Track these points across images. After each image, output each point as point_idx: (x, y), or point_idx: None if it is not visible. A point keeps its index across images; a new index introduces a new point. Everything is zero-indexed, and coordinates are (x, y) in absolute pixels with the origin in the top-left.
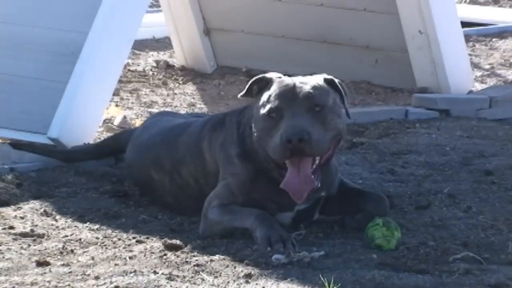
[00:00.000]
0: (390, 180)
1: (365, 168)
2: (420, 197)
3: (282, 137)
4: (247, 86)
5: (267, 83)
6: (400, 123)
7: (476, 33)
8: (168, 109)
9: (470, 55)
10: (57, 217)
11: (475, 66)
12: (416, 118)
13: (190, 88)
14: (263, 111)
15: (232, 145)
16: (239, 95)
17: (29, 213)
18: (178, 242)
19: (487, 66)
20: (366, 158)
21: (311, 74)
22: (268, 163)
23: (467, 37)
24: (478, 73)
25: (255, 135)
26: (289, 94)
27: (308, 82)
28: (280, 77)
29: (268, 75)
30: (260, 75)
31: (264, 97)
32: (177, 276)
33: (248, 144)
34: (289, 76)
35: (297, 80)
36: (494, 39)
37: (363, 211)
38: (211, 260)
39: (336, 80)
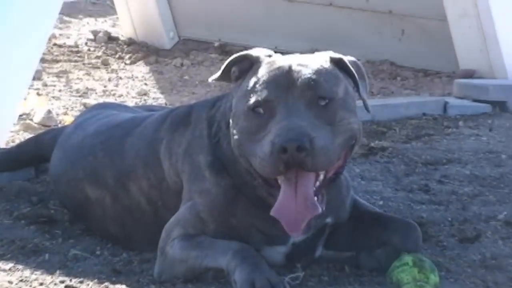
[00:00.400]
0: (423, 201)
1: (388, 183)
2: (465, 225)
3: (274, 143)
4: (222, 67)
5: (252, 64)
6: (437, 120)
7: None
8: (110, 99)
9: None
10: None
11: None
12: (458, 113)
13: (141, 70)
14: (246, 104)
15: (201, 151)
16: (210, 79)
17: None
18: (123, 287)
19: None
20: (389, 169)
21: (312, 52)
22: (253, 178)
23: None
24: None
25: (235, 138)
26: (283, 81)
27: (309, 64)
28: (270, 56)
29: (253, 52)
30: (242, 53)
31: (248, 84)
32: None
33: (224, 150)
34: (282, 54)
35: (294, 61)
36: None
37: (386, 244)
38: None
39: (348, 60)
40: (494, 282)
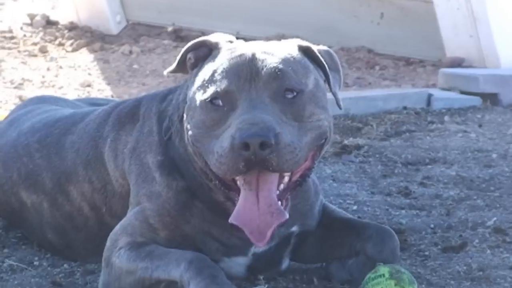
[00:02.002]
0: (402, 206)
1: (363, 186)
2: (449, 232)
3: (235, 138)
4: (178, 57)
5: (211, 51)
6: (419, 115)
7: None
8: (49, 92)
9: None
10: None
11: None
12: (444, 107)
13: (84, 58)
14: (203, 96)
15: (150, 150)
16: (165, 71)
17: None
18: None
19: None
20: (364, 170)
21: (278, 39)
22: (208, 179)
23: None
24: None
25: (189, 134)
26: (245, 71)
27: (275, 52)
28: (230, 42)
29: (212, 38)
30: (200, 39)
31: (205, 73)
32: None
33: (177, 149)
34: (244, 40)
35: (258, 48)
36: None
37: (359, 254)
38: None
39: (318, 49)
40: None
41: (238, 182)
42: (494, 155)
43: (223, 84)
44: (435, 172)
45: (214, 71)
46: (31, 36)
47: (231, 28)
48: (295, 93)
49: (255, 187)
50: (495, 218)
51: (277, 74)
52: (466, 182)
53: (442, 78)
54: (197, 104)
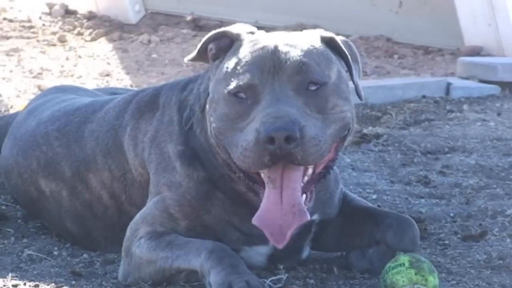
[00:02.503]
0: (422, 195)
1: (383, 175)
2: (469, 221)
3: (260, 132)
4: (199, 46)
5: (232, 42)
6: (438, 104)
7: None
8: (69, 81)
9: None
10: None
11: None
12: (463, 96)
13: (103, 47)
14: (226, 88)
15: (171, 140)
16: (186, 59)
17: None
18: None
19: None
20: (384, 159)
21: (298, 28)
22: (232, 171)
23: None
24: None
25: (212, 126)
26: (268, 64)
27: (297, 44)
28: (252, 33)
29: (233, 29)
30: (221, 29)
31: (228, 65)
32: None
33: (198, 139)
34: (264, 30)
35: (280, 40)
36: None
37: (379, 243)
38: None
39: (340, 39)
40: (501, 285)
41: (262, 175)
42: None
43: (246, 78)
44: (454, 161)
45: (237, 64)
46: (50, 26)
47: (250, 17)
48: (318, 86)
49: (279, 185)
50: None
51: (301, 68)
52: (485, 170)
53: (461, 67)
54: (220, 97)
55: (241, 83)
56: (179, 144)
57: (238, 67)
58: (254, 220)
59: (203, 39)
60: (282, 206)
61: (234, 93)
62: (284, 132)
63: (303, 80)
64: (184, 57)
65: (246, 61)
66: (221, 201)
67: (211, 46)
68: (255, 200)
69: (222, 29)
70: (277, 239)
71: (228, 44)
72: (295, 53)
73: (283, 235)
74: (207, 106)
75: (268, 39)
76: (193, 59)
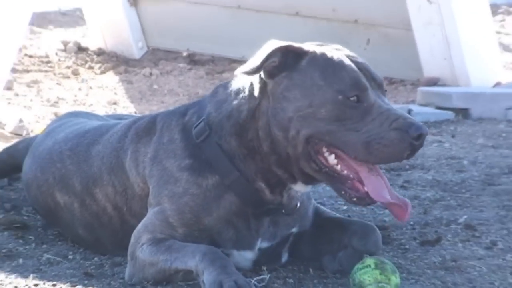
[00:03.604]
0: (385, 206)
1: None
2: (426, 228)
3: (407, 132)
4: (263, 58)
5: (299, 56)
6: None
7: (507, 2)
8: (81, 108)
9: (498, 32)
10: None
11: (505, 48)
12: (422, 120)
13: (110, 79)
14: (335, 95)
15: (174, 156)
16: (241, 71)
17: None
18: None
19: None
20: None
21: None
22: (265, 170)
23: (495, 8)
24: (509, 58)
25: (309, 130)
26: (366, 73)
27: (356, 56)
28: (314, 50)
29: (297, 45)
30: (285, 44)
31: (316, 75)
32: None
33: (214, 149)
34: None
35: (345, 53)
36: None
37: (347, 247)
38: None
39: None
40: (453, 284)
41: (365, 172)
42: (465, 162)
43: (361, 84)
44: (414, 176)
45: (333, 74)
46: (64, 61)
47: (237, 52)
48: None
49: (379, 174)
50: (465, 216)
51: (382, 81)
52: (440, 185)
53: (420, 95)
54: (327, 102)
55: (356, 88)
56: (186, 158)
57: (337, 76)
58: (375, 197)
59: (268, 53)
60: (388, 189)
61: (348, 97)
62: (426, 131)
63: (383, 91)
64: (181, 89)
65: (347, 70)
66: (229, 202)
67: (275, 59)
68: (269, 197)
69: (288, 43)
70: (403, 214)
71: (294, 58)
72: (370, 66)
73: (408, 212)
74: (269, 119)
75: (339, 52)
76: (252, 72)
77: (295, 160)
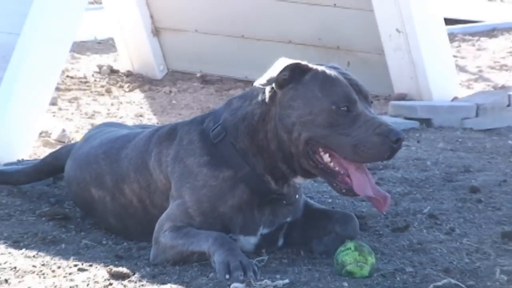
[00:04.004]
0: (363, 199)
1: None
2: (397, 218)
3: (387, 137)
4: (279, 72)
5: (304, 72)
6: None
7: (462, 31)
8: (113, 120)
9: (455, 56)
10: None
11: (461, 69)
12: None
13: (137, 96)
14: (330, 105)
15: (193, 155)
16: (258, 83)
17: None
18: (125, 270)
19: (475, 69)
20: None
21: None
22: (273, 167)
23: (452, 36)
24: (464, 77)
25: (308, 134)
26: (355, 87)
27: (349, 74)
28: (314, 67)
29: (302, 62)
30: (295, 62)
31: (316, 88)
32: None
33: (230, 148)
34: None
35: (340, 71)
36: (482, 38)
37: (331, 233)
38: None
39: None
40: (419, 263)
41: (353, 170)
42: (428, 162)
43: (351, 97)
44: (386, 174)
45: (330, 87)
46: (99, 81)
47: (242, 74)
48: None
49: (364, 172)
50: (429, 207)
51: (368, 94)
52: (408, 181)
53: (391, 108)
54: (324, 111)
55: (347, 100)
56: (204, 156)
57: (332, 90)
58: (358, 191)
59: (282, 68)
60: (371, 184)
61: (340, 107)
62: (403, 136)
63: (369, 103)
64: (195, 104)
65: (342, 85)
66: (242, 191)
67: (285, 73)
68: (274, 187)
69: (295, 62)
70: (382, 206)
71: (300, 73)
72: (358, 80)
73: (386, 204)
74: (277, 123)
75: (335, 70)
76: (269, 83)
77: (297, 157)
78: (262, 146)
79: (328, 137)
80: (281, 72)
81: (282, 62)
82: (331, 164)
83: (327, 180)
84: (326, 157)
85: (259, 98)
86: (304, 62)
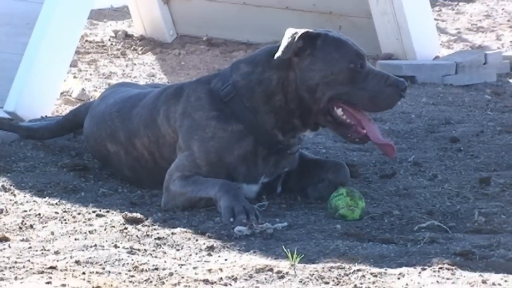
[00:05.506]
0: (354, 149)
1: (329, 137)
2: (384, 166)
3: (398, 86)
4: (289, 42)
5: (314, 38)
6: None
7: None
8: (127, 80)
9: (436, 19)
10: (16, 192)
11: (441, 31)
12: None
13: (149, 58)
14: (349, 64)
15: (202, 109)
16: (279, 54)
17: None
18: (139, 215)
19: (454, 31)
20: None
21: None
22: (286, 119)
23: (433, 1)
24: (445, 38)
25: (331, 92)
26: (361, 50)
27: (343, 35)
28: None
29: (312, 30)
30: (304, 30)
31: (332, 51)
32: (138, 249)
33: (241, 105)
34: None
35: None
36: (461, 3)
37: (324, 180)
38: (173, 233)
39: None
40: (405, 206)
41: (366, 121)
42: (413, 116)
43: (362, 56)
44: None
45: (344, 50)
46: (115, 45)
47: (243, 37)
48: None
49: (374, 123)
50: (413, 156)
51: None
52: (394, 133)
53: (379, 67)
54: (343, 70)
55: (360, 58)
56: (212, 111)
57: (347, 50)
58: (373, 139)
59: (295, 39)
60: (380, 133)
61: (357, 65)
62: (407, 84)
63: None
64: (202, 64)
65: (355, 48)
66: (248, 143)
67: (299, 42)
68: (281, 138)
69: (304, 30)
70: (392, 151)
71: (311, 40)
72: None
73: (395, 150)
74: (298, 85)
75: (338, 34)
76: (287, 55)
77: (315, 114)
78: (279, 106)
79: (349, 93)
80: (295, 42)
81: (291, 33)
82: (344, 117)
83: (339, 132)
84: (339, 111)
85: (272, 64)
86: (311, 30)
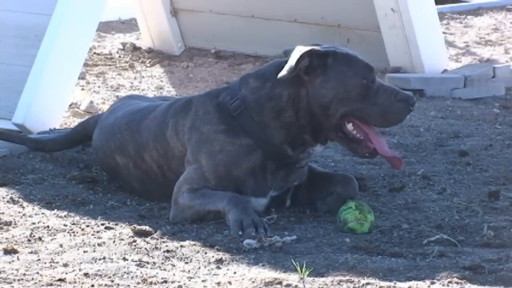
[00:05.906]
0: (363, 163)
1: (337, 150)
2: (393, 179)
3: (409, 100)
4: (296, 61)
5: (322, 56)
6: None
7: (450, 10)
8: (136, 92)
9: (444, 33)
10: (24, 204)
11: (450, 44)
12: None
13: (157, 70)
14: (361, 80)
15: (210, 123)
16: (284, 74)
17: None
18: (147, 228)
19: (462, 44)
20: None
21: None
22: (295, 134)
23: (441, 15)
24: (453, 52)
25: (344, 108)
26: (369, 64)
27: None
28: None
29: (319, 48)
30: (311, 48)
31: (344, 69)
32: (147, 262)
33: (250, 120)
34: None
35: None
36: (469, 16)
37: (333, 194)
38: (182, 246)
39: None
40: (414, 220)
41: (374, 135)
42: (421, 129)
43: (371, 74)
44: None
45: (354, 68)
46: (124, 57)
47: (251, 50)
48: None
49: (381, 136)
50: (422, 170)
51: None
52: (403, 146)
53: (387, 80)
54: (356, 86)
55: (372, 75)
56: (221, 124)
57: (361, 67)
58: (382, 152)
59: (297, 58)
60: (388, 147)
61: (369, 81)
62: (415, 99)
63: None
64: (210, 77)
65: (365, 64)
66: (256, 157)
67: (305, 61)
68: (290, 153)
69: (309, 48)
70: (399, 164)
71: (320, 59)
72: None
73: (402, 162)
74: (310, 102)
75: (342, 49)
76: (290, 75)
77: (327, 130)
78: (289, 122)
79: (361, 109)
80: (298, 62)
81: (298, 52)
82: (355, 132)
83: (350, 147)
84: (350, 126)
85: (283, 82)
86: (315, 47)
